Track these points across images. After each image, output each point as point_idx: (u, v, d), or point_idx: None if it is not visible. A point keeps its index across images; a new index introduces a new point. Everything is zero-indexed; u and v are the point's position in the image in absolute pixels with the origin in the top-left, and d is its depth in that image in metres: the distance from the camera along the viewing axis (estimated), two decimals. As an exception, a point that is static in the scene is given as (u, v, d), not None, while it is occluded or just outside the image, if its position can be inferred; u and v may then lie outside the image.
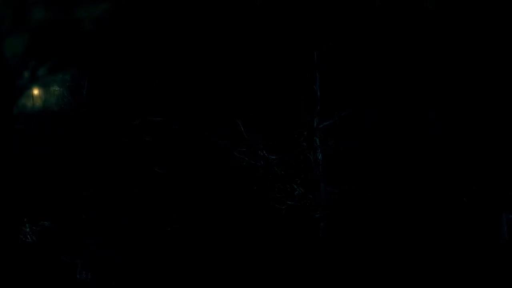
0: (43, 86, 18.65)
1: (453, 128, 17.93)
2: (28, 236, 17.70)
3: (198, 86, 18.61)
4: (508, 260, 16.99)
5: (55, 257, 17.55)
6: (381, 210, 17.76)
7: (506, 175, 17.41)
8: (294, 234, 17.90)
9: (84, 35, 18.20)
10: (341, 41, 17.82)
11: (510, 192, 17.31)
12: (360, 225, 17.72)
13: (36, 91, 18.69)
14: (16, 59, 17.92)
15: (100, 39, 18.23)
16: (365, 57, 17.95)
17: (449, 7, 18.08)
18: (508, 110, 17.73)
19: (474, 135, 17.74)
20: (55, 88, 18.55)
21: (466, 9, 17.99)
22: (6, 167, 17.88)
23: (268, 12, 18.31)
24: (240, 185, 18.09)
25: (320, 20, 17.94)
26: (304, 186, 17.87)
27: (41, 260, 17.57)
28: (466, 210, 17.50)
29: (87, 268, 17.75)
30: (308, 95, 17.88)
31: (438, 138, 18.00)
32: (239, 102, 18.28)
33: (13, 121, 18.09)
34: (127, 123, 18.07)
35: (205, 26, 18.57)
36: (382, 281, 17.14)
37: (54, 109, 18.49)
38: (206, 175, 18.37)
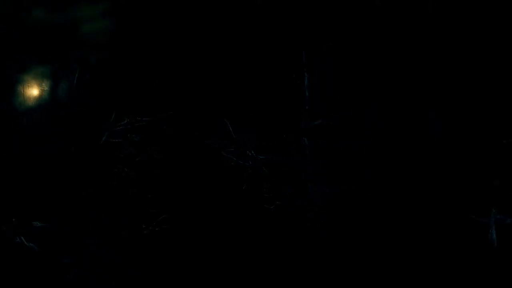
0: (41, 85, 18.66)
1: (453, 128, 17.93)
2: (22, 237, 17.65)
3: (186, 86, 18.60)
4: (498, 265, 17.12)
5: (53, 258, 17.55)
6: (381, 210, 17.78)
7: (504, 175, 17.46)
8: (282, 234, 17.88)
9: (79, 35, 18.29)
10: (341, 41, 17.84)
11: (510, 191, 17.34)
12: (358, 225, 17.75)
13: (36, 91, 18.69)
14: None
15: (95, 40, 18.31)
16: (364, 57, 17.95)
17: (449, 7, 18.06)
18: (508, 109, 17.73)
19: (474, 135, 17.74)
20: (45, 88, 18.58)
21: (466, 9, 17.96)
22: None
23: (259, 14, 18.32)
24: (229, 185, 18.09)
25: (311, 20, 17.95)
26: (293, 186, 17.88)
27: (40, 261, 17.58)
28: (464, 210, 17.53)
29: (86, 268, 17.76)
30: (298, 95, 17.95)
31: (438, 138, 17.99)
32: (228, 102, 18.27)
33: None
34: (116, 123, 18.07)
35: (197, 26, 18.59)
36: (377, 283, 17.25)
37: (51, 108, 18.53)
38: (195, 175, 18.37)
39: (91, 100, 18.05)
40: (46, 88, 18.54)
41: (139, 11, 18.42)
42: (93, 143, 17.93)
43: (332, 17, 17.95)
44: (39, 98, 18.57)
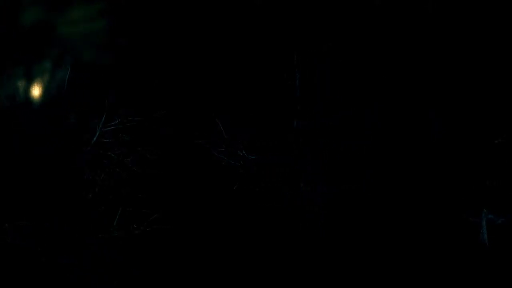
0: (38, 85, 18.68)
1: (453, 128, 17.91)
2: (21, 238, 17.67)
3: (177, 86, 18.57)
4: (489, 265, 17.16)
5: (54, 259, 17.60)
6: (381, 210, 17.80)
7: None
8: (281, 234, 17.91)
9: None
10: (340, 41, 17.79)
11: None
12: (358, 225, 17.77)
13: (36, 91, 18.70)
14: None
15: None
16: (363, 57, 17.91)
17: (449, 7, 17.98)
18: (508, 109, 17.70)
19: (474, 135, 17.72)
20: (42, 88, 18.60)
21: (466, 9, 17.88)
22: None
23: (254, 14, 18.26)
24: (220, 185, 18.10)
25: (310, 20, 17.88)
26: (288, 186, 17.90)
27: (41, 262, 17.63)
28: (456, 210, 17.56)
29: (87, 269, 17.82)
30: (290, 95, 17.94)
31: (438, 138, 17.97)
32: (219, 102, 18.24)
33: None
34: (107, 123, 18.07)
35: (189, 26, 18.55)
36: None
37: (49, 108, 18.55)
38: (187, 175, 18.39)
39: (84, 100, 18.04)
40: (42, 88, 18.54)
41: (133, 11, 18.36)
42: (86, 143, 17.96)
43: (332, 17, 17.89)
44: (36, 98, 18.58)
